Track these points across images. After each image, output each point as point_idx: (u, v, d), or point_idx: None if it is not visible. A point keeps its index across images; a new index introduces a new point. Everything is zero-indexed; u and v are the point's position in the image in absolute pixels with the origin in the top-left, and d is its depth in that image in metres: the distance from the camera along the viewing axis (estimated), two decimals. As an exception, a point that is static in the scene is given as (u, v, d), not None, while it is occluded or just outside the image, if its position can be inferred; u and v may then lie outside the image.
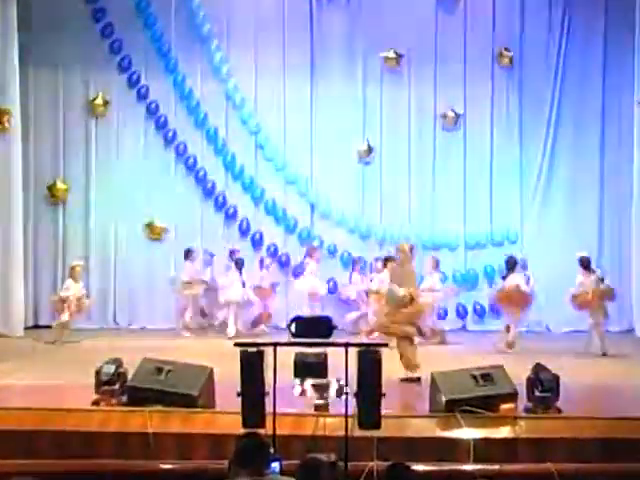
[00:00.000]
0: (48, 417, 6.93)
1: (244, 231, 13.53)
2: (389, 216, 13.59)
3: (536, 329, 13.12)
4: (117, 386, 7.23)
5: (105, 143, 13.53)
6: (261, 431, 5.61)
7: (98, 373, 7.35)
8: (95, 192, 13.50)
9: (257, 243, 13.52)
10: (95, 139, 13.50)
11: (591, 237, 13.42)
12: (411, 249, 11.27)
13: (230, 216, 13.53)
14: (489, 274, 13.40)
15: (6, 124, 12.30)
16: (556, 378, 7.23)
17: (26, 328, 12.83)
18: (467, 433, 6.70)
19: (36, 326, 13.23)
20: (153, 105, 13.48)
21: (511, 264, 11.57)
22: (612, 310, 12.54)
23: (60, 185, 13.41)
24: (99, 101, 13.41)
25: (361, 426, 5.92)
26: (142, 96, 13.48)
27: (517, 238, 13.52)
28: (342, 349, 5.86)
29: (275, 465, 4.75)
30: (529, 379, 7.29)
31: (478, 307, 13.41)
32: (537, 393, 7.20)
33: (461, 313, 13.35)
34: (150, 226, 13.45)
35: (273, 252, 13.44)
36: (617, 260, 13.46)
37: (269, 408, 5.91)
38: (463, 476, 6.40)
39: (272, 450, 4.77)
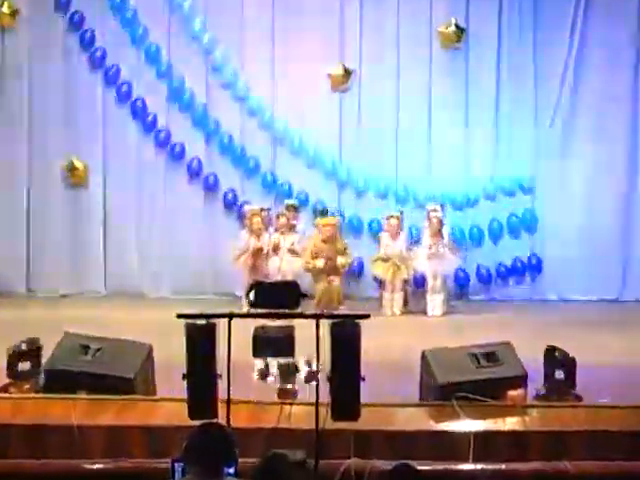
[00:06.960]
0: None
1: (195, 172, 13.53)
2: (373, 159, 13.55)
3: (550, 297, 13.30)
4: (31, 368, 7.22)
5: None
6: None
7: (12, 353, 7.33)
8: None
9: (211, 188, 13.52)
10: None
11: (620, 183, 13.47)
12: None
13: (176, 155, 13.50)
14: (495, 231, 13.51)
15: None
16: (573, 359, 7.30)
17: None
18: (466, 425, 6.79)
19: None
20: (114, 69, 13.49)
21: None
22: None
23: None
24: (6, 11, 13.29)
25: (335, 417, 5.95)
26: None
27: (532, 186, 13.54)
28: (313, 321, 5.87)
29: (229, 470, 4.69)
30: (543, 359, 7.36)
31: (483, 271, 13.50)
32: (551, 376, 7.27)
33: (461, 278, 13.37)
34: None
35: (232, 199, 13.45)
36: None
37: (222, 394, 5.92)
38: (461, 477, 6.46)
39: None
